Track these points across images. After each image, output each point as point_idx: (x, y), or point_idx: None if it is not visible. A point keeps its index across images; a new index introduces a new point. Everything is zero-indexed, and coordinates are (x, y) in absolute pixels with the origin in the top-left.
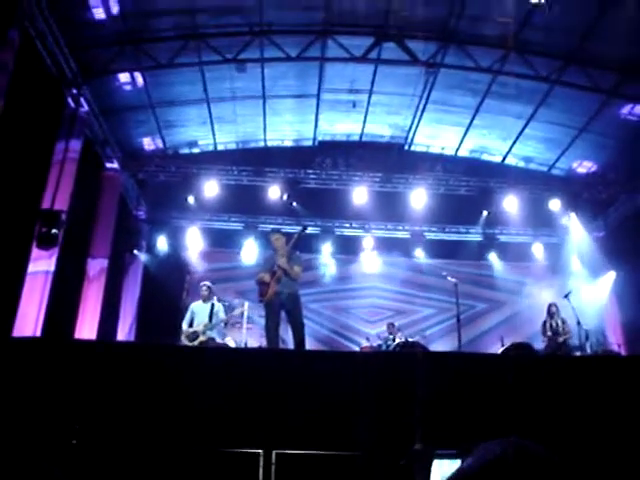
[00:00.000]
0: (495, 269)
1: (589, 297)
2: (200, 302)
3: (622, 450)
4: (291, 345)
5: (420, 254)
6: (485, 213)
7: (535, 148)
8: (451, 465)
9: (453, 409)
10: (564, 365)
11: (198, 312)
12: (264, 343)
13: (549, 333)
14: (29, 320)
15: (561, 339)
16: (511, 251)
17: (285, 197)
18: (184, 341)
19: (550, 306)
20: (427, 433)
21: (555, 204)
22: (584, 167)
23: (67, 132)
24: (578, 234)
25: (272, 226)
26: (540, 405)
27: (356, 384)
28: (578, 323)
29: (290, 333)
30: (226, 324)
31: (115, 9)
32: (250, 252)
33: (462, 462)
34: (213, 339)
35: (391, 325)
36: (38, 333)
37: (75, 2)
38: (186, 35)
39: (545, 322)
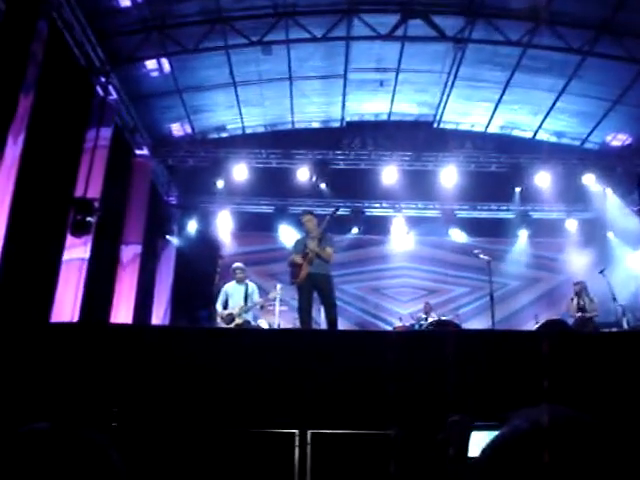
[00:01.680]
0: (528, 246)
1: (625, 273)
2: (233, 283)
3: None
4: (324, 326)
5: (451, 232)
6: (518, 190)
7: (567, 122)
8: (488, 437)
9: (487, 384)
10: (599, 340)
11: (232, 294)
12: (297, 325)
13: (577, 314)
14: (66, 306)
15: (588, 315)
16: (544, 227)
17: (314, 179)
18: (220, 323)
19: (576, 284)
20: (461, 408)
21: (589, 179)
22: (618, 140)
23: (97, 120)
24: (614, 208)
25: (302, 208)
26: (575, 380)
27: (389, 362)
28: (614, 299)
29: (322, 314)
30: (262, 307)
31: None
32: (281, 234)
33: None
34: (249, 322)
35: (427, 304)
36: (75, 319)
37: None
38: (211, 19)
39: (572, 299)
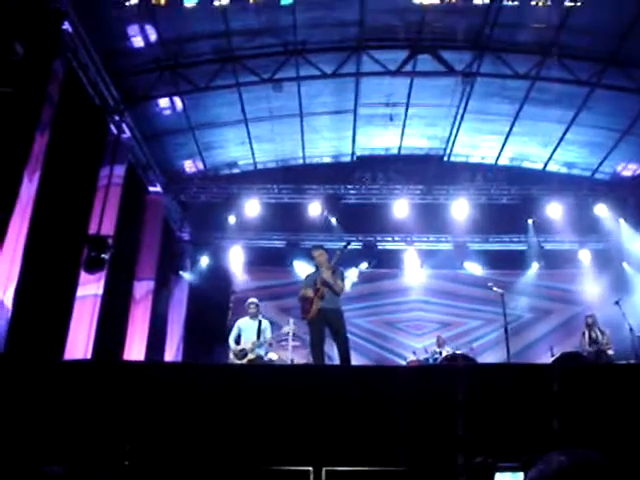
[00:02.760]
0: (541, 277)
1: None
2: (247, 318)
3: None
4: (337, 361)
5: (464, 265)
6: (530, 221)
7: (577, 153)
8: (512, 478)
9: (502, 421)
10: (614, 373)
11: (245, 329)
12: (310, 360)
13: (588, 347)
14: (79, 343)
15: (602, 348)
16: (557, 258)
17: (325, 213)
18: (232, 359)
19: (586, 317)
20: (477, 446)
21: (601, 209)
22: (629, 170)
23: (111, 158)
24: (627, 238)
25: (314, 243)
26: (590, 414)
27: (402, 398)
28: (631, 330)
29: (335, 349)
30: (271, 344)
31: (153, 37)
32: (293, 269)
33: (525, 474)
34: (261, 357)
35: (440, 337)
36: (88, 355)
37: (114, 32)
38: (222, 58)
39: (584, 333)
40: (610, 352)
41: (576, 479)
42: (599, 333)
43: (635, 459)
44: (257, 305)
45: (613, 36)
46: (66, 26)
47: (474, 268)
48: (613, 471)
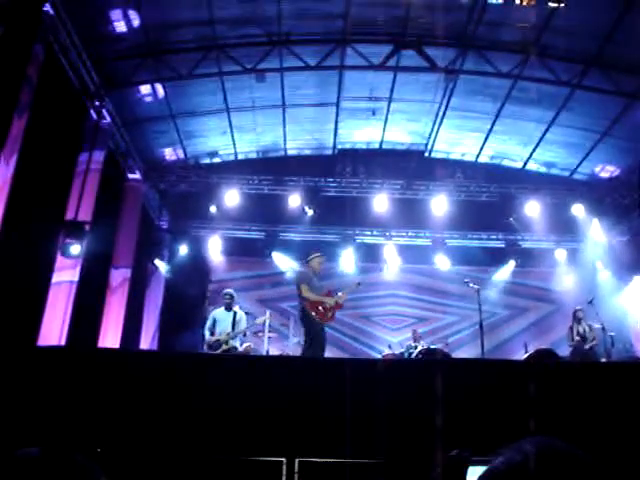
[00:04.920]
0: (517, 275)
1: (615, 303)
2: (222, 309)
3: None
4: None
5: (442, 261)
6: (513, 219)
7: (556, 153)
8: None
9: (477, 415)
10: (587, 372)
11: (220, 320)
12: (286, 352)
13: (577, 338)
14: (54, 329)
15: (588, 345)
16: (534, 257)
17: (307, 208)
18: (207, 350)
19: (576, 311)
20: (450, 439)
21: (578, 209)
22: (607, 171)
23: (90, 144)
24: (602, 239)
25: (293, 235)
26: (565, 412)
27: (378, 391)
28: (603, 329)
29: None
30: (245, 334)
31: (136, 22)
32: (271, 260)
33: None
34: (235, 348)
35: (415, 332)
36: (63, 342)
37: (97, 16)
38: (206, 46)
39: (572, 327)
40: (596, 348)
41: (541, 468)
42: (587, 328)
43: (608, 453)
44: (232, 296)
45: (595, 38)
46: (47, 8)
47: (451, 264)
48: (584, 462)
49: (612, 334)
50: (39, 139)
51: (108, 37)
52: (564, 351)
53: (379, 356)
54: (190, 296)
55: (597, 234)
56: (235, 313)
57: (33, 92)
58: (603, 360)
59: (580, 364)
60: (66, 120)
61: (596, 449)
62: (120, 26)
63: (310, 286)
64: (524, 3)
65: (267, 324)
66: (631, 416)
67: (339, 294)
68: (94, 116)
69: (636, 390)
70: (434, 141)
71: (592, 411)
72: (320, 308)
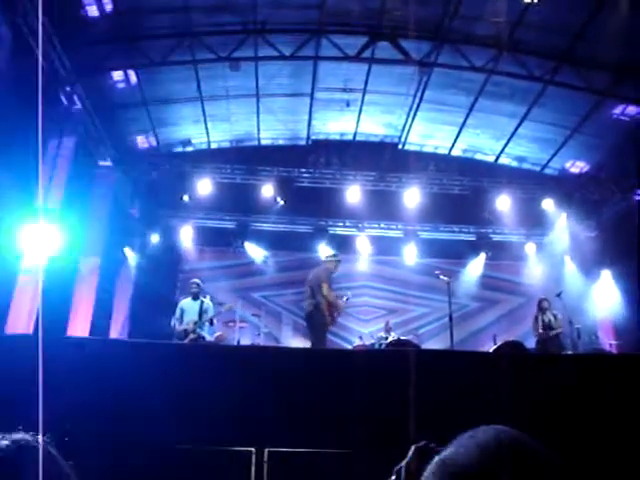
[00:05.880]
0: (488, 268)
1: (581, 296)
2: (189, 299)
3: (614, 449)
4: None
5: (413, 253)
6: (487, 213)
7: (528, 148)
8: None
9: (444, 406)
10: (554, 363)
11: (187, 309)
12: (257, 342)
13: (540, 330)
14: (22, 317)
15: (553, 333)
16: (504, 250)
17: (279, 199)
18: (175, 340)
19: (541, 301)
20: (420, 430)
21: (548, 204)
22: (577, 167)
23: (60, 129)
24: (570, 234)
25: (265, 225)
26: (532, 403)
27: (348, 382)
28: (570, 322)
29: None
30: (212, 322)
31: (109, 7)
32: (243, 250)
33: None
34: (203, 337)
35: (387, 323)
36: (31, 330)
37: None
38: (180, 33)
39: (537, 317)
40: (561, 336)
41: (503, 459)
42: (552, 317)
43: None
44: (199, 285)
45: (568, 35)
46: None
47: (423, 256)
48: (545, 452)
49: (578, 326)
50: (7, 123)
51: (80, 21)
52: (531, 342)
53: (350, 347)
54: (161, 285)
55: (566, 229)
56: (202, 302)
57: (1, 76)
58: (569, 352)
59: (547, 356)
60: (35, 105)
61: (560, 439)
62: (92, 10)
63: (330, 286)
64: None
65: (238, 314)
66: (596, 406)
67: (343, 299)
68: (65, 101)
69: (600, 380)
70: (408, 133)
71: (557, 401)
72: (333, 310)
